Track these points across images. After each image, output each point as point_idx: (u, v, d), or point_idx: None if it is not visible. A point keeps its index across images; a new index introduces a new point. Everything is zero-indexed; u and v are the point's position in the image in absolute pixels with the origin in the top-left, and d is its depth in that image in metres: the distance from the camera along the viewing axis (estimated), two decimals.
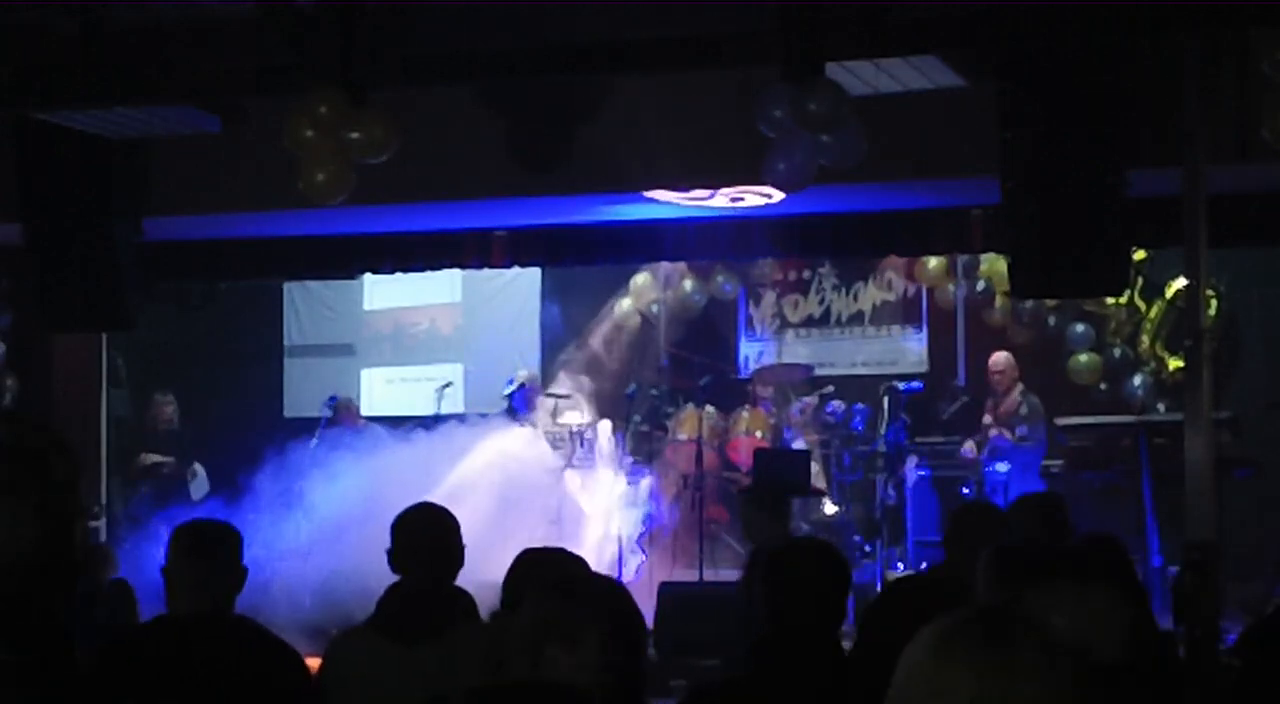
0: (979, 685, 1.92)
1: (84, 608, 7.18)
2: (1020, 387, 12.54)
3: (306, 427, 13.34)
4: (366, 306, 15.65)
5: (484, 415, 13.11)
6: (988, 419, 12.58)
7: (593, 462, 12.87)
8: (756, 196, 9.97)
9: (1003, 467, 12.05)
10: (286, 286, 15.40)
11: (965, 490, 12.40)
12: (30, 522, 2.19)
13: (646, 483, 12.82)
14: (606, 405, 13.75)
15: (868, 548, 12.36)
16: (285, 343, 15.77)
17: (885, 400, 12.75)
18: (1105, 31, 7.78)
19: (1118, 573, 4.54)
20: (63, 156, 9.77)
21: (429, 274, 13.06)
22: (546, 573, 4.12)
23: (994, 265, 12.95)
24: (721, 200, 10.21)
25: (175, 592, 4.42)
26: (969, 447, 12.57)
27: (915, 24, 7.59)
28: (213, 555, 4.44)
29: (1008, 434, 12.30)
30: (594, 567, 4.51)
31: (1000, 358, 12.69)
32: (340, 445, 12.36)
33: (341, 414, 13.70)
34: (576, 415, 13.43)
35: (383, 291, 15.32)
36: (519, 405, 13.40)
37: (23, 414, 10.90)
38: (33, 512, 2.19)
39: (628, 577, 12.26)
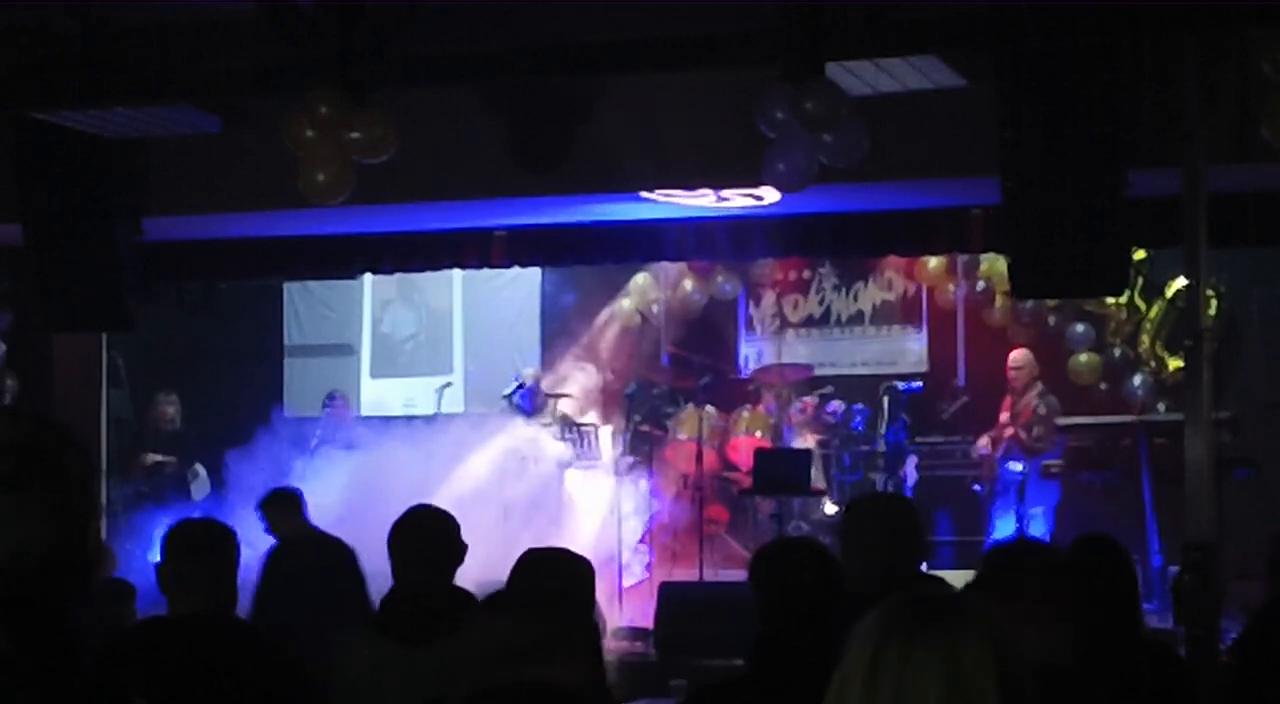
0: (905, 671, 1.93)
1: (82, 607, 7.17)
2: (1039, 386, 12.28)
3: (306, 427, 13.34)
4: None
5: (484, 414, 13.11)
6: (1005, 416, 12.34)
7: (594, 461, 12.87)
8: (746, 198, 9.96)
9: (1017, 465, 11.97)
10: (286, 286, 15.38)
11: (977, 488, 12.37)
12: (43, 520, 2.17)
13: (646, 483, 12.82)
14: (607, 405, 13.75)
15: None
16: (285, 343, 15.76)
17: (885, 400, 12.74)
18: (1105, 31, 7.78)
19: (1107, 574, 4.52)
20: (62, 157, 9.76)
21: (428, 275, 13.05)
22: (550, 574, 4.12)
23: (994, 265, 12.93)
24: (714, 200, 10.21)
25: (169, 592, 4.41)
26: (984, 443, 12.41)
27: (915, 24, 7.60)
28: (205, 555, 4.42)
29: (1022, 434, 12.09)
30: (595, 567, 4.50)
31: (1019, 355, 12.48)
32: (341, 444, 12.34)
33: (339, 411, 13.70)
34: (578, 415, 13.43)
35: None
36: (524, 404, 13.40)
37: (35, 411, 10.89)
38: (45, 510, 2.17)
39: (629, 577, 12.28)
